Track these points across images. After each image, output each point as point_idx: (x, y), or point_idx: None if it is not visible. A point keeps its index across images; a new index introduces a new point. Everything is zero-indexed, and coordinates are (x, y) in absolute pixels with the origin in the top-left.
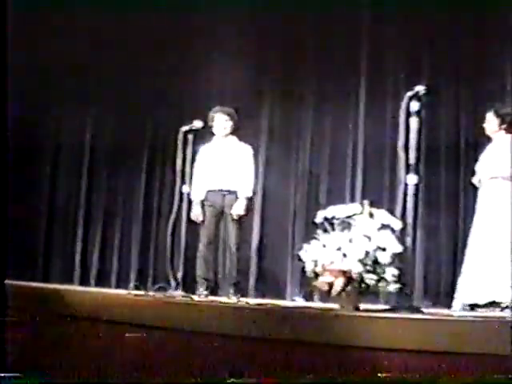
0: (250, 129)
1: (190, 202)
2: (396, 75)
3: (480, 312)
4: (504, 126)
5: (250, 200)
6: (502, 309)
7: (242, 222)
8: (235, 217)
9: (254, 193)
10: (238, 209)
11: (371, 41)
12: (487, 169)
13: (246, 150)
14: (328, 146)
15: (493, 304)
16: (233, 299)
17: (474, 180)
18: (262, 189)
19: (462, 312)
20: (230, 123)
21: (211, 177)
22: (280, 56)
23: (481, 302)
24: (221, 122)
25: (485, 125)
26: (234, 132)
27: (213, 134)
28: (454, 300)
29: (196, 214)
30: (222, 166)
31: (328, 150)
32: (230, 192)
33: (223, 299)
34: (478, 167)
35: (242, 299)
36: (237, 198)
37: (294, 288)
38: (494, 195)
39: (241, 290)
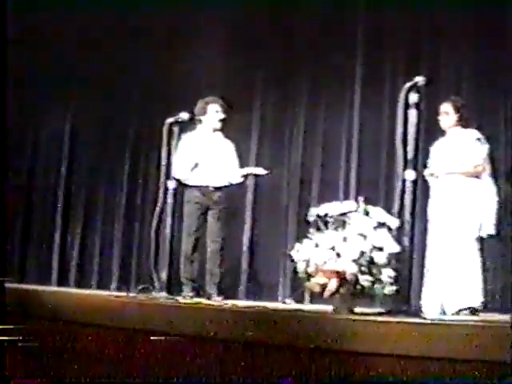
0: (241, 122)
1: (175, 198)
2: (394, 65)
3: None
4: (462, 122)
5: (240, 198)
6: (472, 312)
7: (228, 219)
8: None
9: (244, 189)
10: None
11: (368, 29)
12: (443, 164)
13: (231, 147)
14: (321, 140)
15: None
16: (216, 301)
17: (426, 174)
18: (253, 186)
19: (461, 316)
20: (223, 116)
21: (199, 172)
22: (272, 46)
23: (450, 311)
24: (215, 113)
25: (440, 117)
26: (224, 123)
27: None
28: (422, 305)
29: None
30: (211, 163)
31: (321, 144)
32: (217, 189)
33: (209, 301)
34: (430, 161)
35: (228, 301)
36: (225, 194)
37: (286, 289)
38: (451, 191)
39: (225, 291)
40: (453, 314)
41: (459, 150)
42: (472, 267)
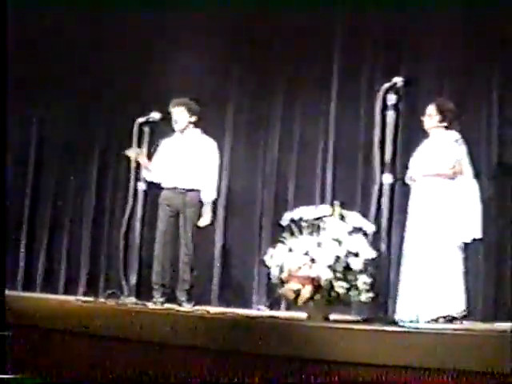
0: (214, 124)
1: (145, 201)
2: (372, 66)
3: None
4: (444, 124)
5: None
6: (448, 320)
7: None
8: (202, 224)
9: (218, 193)
10: (206, 219)
11: (345, 29)
12: (421, 166)
13: (209, 144)
14: (297, 142)
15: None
16: (186, 307)
17: (406, 177)
18: (226, 188)
19: (441, 324)
20: (186, 115)
21: (168, 174)
22: (248, 48)
23: (426, 319)
24: (175, 115)
25: (424, 118)
26: (197, 124)
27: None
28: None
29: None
30: (179, 162)
31: (297, 147)
32: (186, 190)
33: (180, 308)
34: (411, 163)
35: (199, 307)
36: (196, 197)
37: (259, 296)
38: (428, 195)
39: (197, 297)
40: (430, 322)
41: (436, 152)
42: (452, 273)
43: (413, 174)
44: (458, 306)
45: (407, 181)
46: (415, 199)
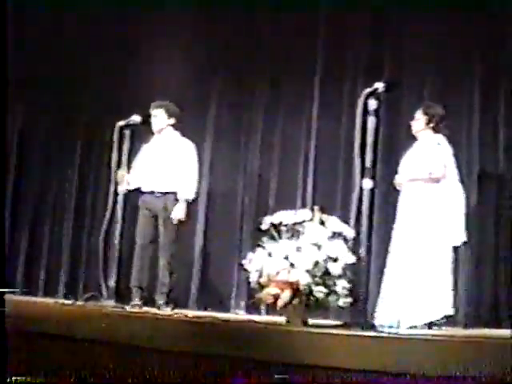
0: (195, 127)
1: (125, 204)
2: (354, 71)
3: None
4: (431, 125)
5: (192, 203)
6: (427, 326)
7: (178, 227)
8: (175, 221)
9: (197, 195)
10: (177, 212)
11: (328, 34)
12: (406, 171)
13: (187, 147)
14: (279, 147)
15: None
16: (164, 310)
17: (395, 182)
18: (206, 192)
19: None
20: (163, 118)
21: (146, 177)
22: (230, 50)
23: (409, 324)
24: (153, 117)
25: (412, 123)
26: (177, 126)
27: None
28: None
29: (120, 174)
30: (157, 166)
31: (279, 151)
32: (164, 194)
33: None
34: (400, 168)
35: (177, 311)
36: (175, 200)
37: (238, 300)
38: (413, 199)
39: (176, 301)
40: (412, 328)
41: (420, 156)
42: (440, 278)
43: (397, 179)
44: (442, 311)
45: (396, 186)
46: (403, 204)
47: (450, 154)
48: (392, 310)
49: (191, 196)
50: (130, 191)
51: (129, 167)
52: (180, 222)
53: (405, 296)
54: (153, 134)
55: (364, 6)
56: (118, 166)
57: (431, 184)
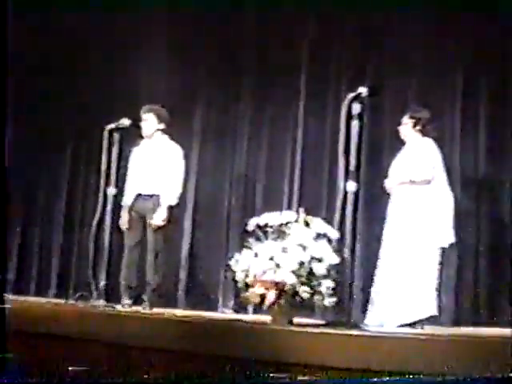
0: (182, 129)
1: (115, 205)
2: (339, 76)
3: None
4: (418, 128)
5: (175, 207)
6: (410, 325)
7: (165, 229)
8: (153, 227)
9: (178, 201)
10: (158, 218)
11: (313, 39)
12: (395, 175)
13: (174, 151)
14: (265, 150)
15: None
16: (152, 310)
17: (385, 185)
18: (193, 193)
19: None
20: (153, 122)
21: (134, 180)
22: (216, 54)
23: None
24: (144, 121)
25: (399, 127)
26: (165, 131)
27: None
28: (367, 315)
29: (123, 221)
30: (142, 169)
31: (265, 154)
32: (151, 196)
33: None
34: (389, 172)
35: (165, 310)
36: (159, 203)
37: (225, 299)
38: (403, 202)
39: (162, 300)
40: (399, 327)
41: (409, 160)
42: (426, 279)
43: (386, 182)
44: (427, 311)
45: (386, 189)
46: (393, 206)
47: (438, 157)
48: (382, 309)
49: (173, 202)
50: (119, 190)
51: (118, 170)
52: (158, 228)
53: (392, 296)
54: (141, 137)
55: (349, 10)
56: (108, 167)
57: (420, 186)
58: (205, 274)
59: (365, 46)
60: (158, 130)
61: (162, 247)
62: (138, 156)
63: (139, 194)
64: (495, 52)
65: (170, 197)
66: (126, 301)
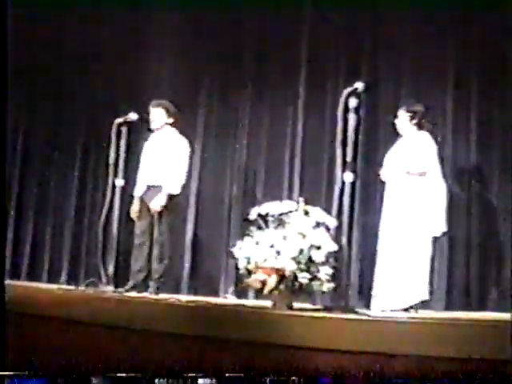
0: (186, 121)
1: (122, 196)
2: (337, 69)
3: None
4: (414, 122)
5: (179, 197)
6: (404, 309)
7: (170, 218)
8: (152, 211)
9: (181, 191)
10: (156, 203)
11: (311, 35)
12: (393, 165)
13: (180, 144)
14: (266, 141)
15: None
16: (158, 295)
17: (381, 176)
18: (196, 183)
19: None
20: (163, 117)
21: (144, 172)
22: (218, 49)
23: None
24: (153, 115)
25: (396, 121)
26: (173, 125)
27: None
28: (372, 301)
29: (133, 210)
30: (151, 161)
31: (266, 145)
32: (157, 187)
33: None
34: (385, 162)
35: (170, 295)
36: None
37: (227, 285)
38: (399, 192)
39: (167, 286)
40: (393, 311)
41: (405, 152)
42: (419, 265)
43: (382, 173)
44: (419, 296)
45: (382, 178)
46: (389, 196)
47: (433, 149)
48: (380, 295)
49: (175, 191)
50: (127, 181)
51: (126, 162)
52: (168, 213)
53: (387, 281)
54: (150, 130)
55: (345, 7)
56: (116, 159)
57: (416, 177)
58: (208, 261)
59: (361, 43)
60: (167, 123)
61: (167, 236)
62: (148, 148)
63: (148, 185)
64: (485, 48)
65: (172, 185)
66: (131, 283)
